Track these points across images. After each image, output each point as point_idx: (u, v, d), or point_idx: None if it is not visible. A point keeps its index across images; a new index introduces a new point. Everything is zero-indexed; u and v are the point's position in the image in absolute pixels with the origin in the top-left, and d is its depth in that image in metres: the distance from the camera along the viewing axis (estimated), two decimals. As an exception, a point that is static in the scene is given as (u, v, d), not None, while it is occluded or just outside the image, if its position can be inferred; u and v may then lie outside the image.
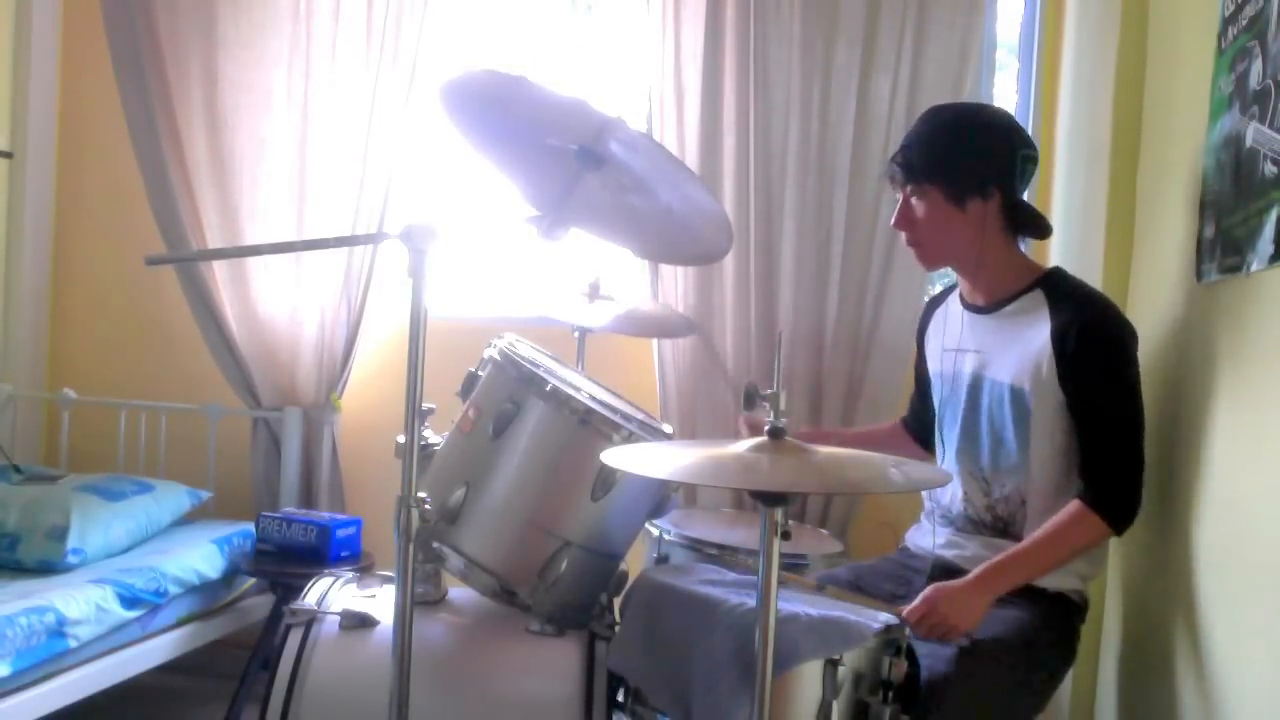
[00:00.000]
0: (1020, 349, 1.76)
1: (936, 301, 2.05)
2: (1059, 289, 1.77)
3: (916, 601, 1.59)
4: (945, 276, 2.94)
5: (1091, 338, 1.69)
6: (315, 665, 1.60)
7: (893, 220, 1.85)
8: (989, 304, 1.85)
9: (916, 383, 2.14)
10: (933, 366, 1.99)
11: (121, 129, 3.16)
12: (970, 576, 1.66)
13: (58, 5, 3.39)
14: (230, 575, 2.80)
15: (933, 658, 1.56)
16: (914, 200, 1.81)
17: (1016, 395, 1.75)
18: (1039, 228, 1.84)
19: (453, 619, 1.76)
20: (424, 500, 1.39)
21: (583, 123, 1.62)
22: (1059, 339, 1.70)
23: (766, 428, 1.34)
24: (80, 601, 2.30)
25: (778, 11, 2.75)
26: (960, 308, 1.92)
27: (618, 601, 1.74)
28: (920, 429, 2.13)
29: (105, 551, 2.62)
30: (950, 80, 2.67)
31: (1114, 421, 1.70)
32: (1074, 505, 1.69)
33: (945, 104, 1.90)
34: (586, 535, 1.68)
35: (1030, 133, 2.77)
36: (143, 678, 2.55)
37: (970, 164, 1.77)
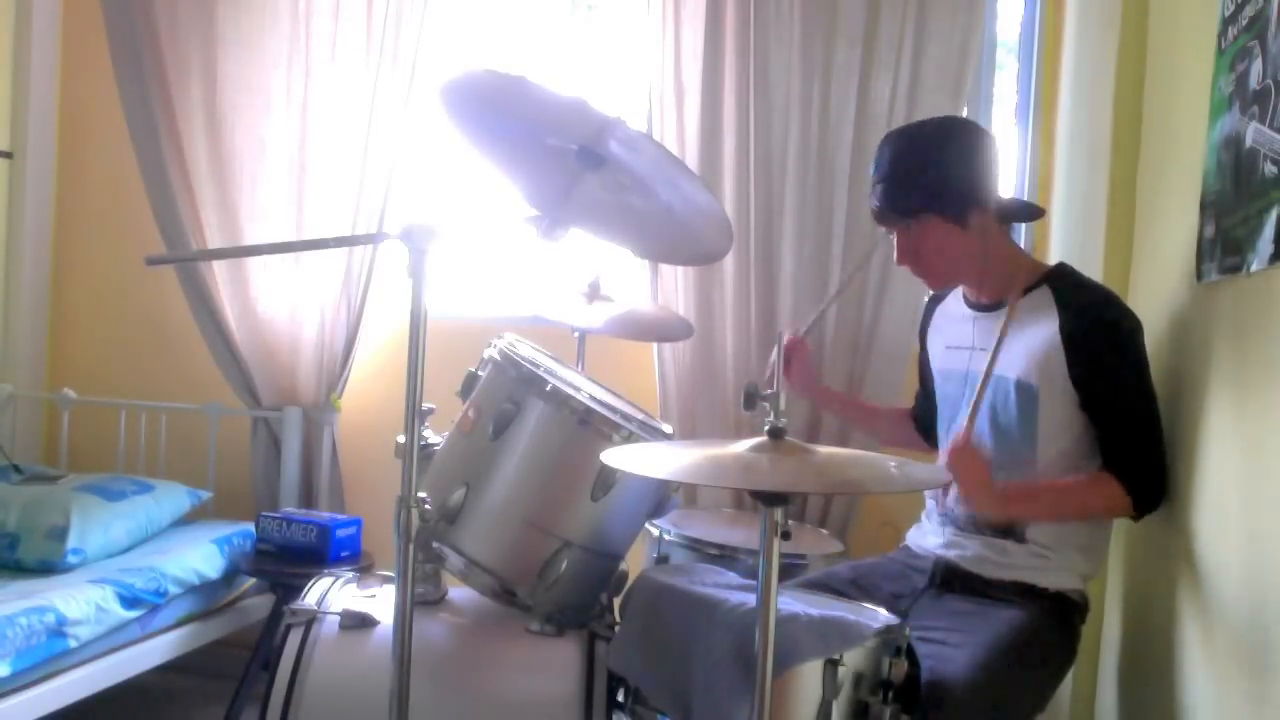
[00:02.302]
0: (1026, 344, 1.76)
1: (938, 299, 2.05)
2: (1065, 285, 1.77)
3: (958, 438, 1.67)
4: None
5: (1103, 332, 1.70)
6: (315, 665, 1.60)
7: (895, 259, 1.83)
8: (993, 302, 1.85)
9: (920, 379, 2.14)
10: (936, 364, 1.99)
11: (121, 129, 3.16)
12: (999, 482, 1.71)
13: (58, 5, 3.39)
14: (230, 575, 2.80)
15: (934, 658, 1.56)
16: (913, 233, 1.80)
17: (1023, 390, 1.75)
18: (1029, 212, 1.85)
19: (453, 619, 1.76)
20: (424, 500, 1.39)
21: (583, 123, 1.62)
22: (1069, 335, 1.71)
23: (767, 425, 1.34)
24: (80, 601, 2.30)
25: (778, 11, 2.75)
26: (963, 306, 1.92)
27: (618, 601, 1.74)
28: (924, 424, 2.13)
29: (105, 551, 2.62)
30: (950, 80, 2.67)
31: (1135, 410, 1.72)
32: (1101, 472, 1.72)
33: (897, 130, 1.88)
34: (586, 535, 1.68)
35: (1030, 133, 2.80)
36: (143, 678, 2.55)
37: (960, 180, 1.77)
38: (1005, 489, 1.71)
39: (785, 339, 1.94)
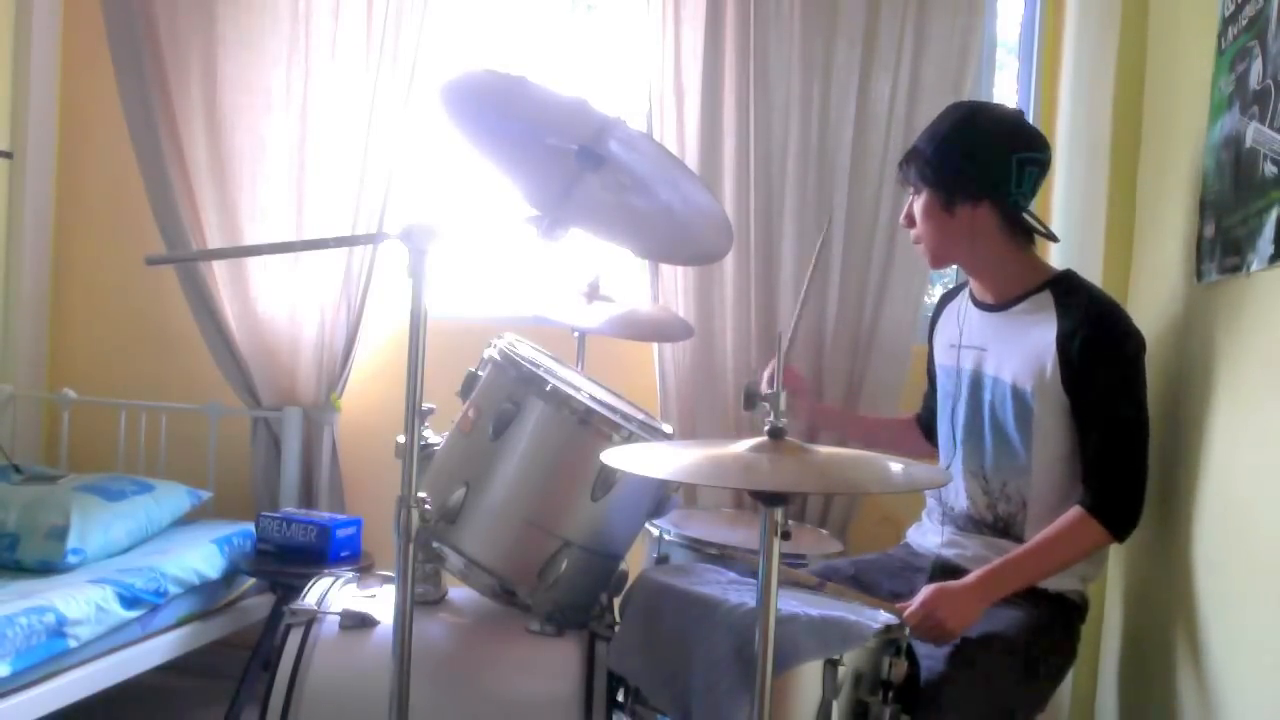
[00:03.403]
0: (1024, 349, 1.75)
1: (949, 297, 2.05)
2: (1068, 292, 1.76)
3: (914, 604, 1.59)
4: (946, 276, 2.94)
5: (1097, 343, 1.68)
6: (315, 665, 1.60)
7: (901, 217, 1.88)
8: (998, 302, 1.85)
9: (929, 379, 2.14)
10: (939, 361, 2.00)
11: (121, 129, 3.16)
12: (969, 579, 1.65)
13: (58, 5, 3.39)
14: (230, 575, 2.80)
15: (933, 658, 1.56)
16: (914, 200, 1.84)
17: (1018, 395, 1.75)
18: (1045, 234, 1.83)
19: (453, 619, 1.75)
20: (424, 500, 1.39)
21: (583, 123, 1.62)
22: (1064, 343, 1.70)
23: (767, 425, 1.34)
24: (80, 601, 2.30)
25: (778, 11, 2.74)
26: (970, 305, 1.92)
27: (618, 601, 1.74)
28: (932, 425, 2.13)
29: (105, 551, 2.62)
30: (950, 80, 2.67)
31: (1118, 428, 1.69)
32: (1075, 511, 1.69)
33: (961, 102, 1.90)
34: (586, 535, 1.68)
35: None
36: (143, 678, 2.55)
37: (957, 172, 1.77)
38: (979, 585, 1.64)
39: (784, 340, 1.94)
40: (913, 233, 1.87)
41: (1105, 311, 1.73)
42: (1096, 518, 1.67)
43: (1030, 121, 1.94)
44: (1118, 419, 1.70)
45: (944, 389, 1.96)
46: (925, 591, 1.61)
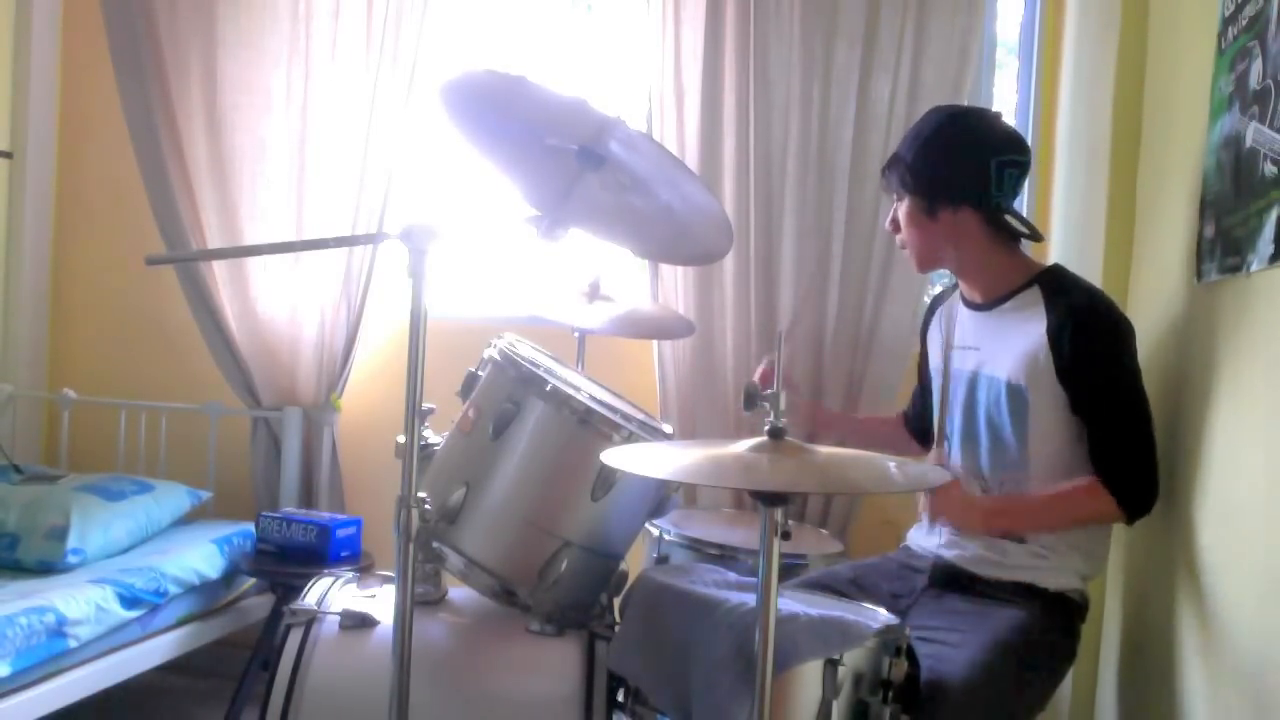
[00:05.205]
0: (1016, 345, 1.76)
1: (940, 299, 2.06)
2: (1055, 285, 1.77)
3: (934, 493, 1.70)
4: (945, 276, 2.94)
5: (1088, 331, 1.69)
6: (315, 665, 1.60)
7: (886, 222, 1.90)
8: (986, 302, 1.86)
9: (919, 378, 2.14)
10: (934, 364, 2.00)
11: (121, 129, 3.16)
12: (983, 500, 1.73)
13: (58, 5, 3.39)
14: (230, 575, 2.80)
15: (934, 658, 1.56)
16: (898, 206, 1.86)
17: (1014, 391, 1.76)
18: (1028, 234, 1.84)
19: (453, 619, 1.76)
20: (424, 500, 1.39)
21: (583, 123, 1.62)
22: (1056, 335, 1.70)
23: (767, 425, 1.34)
24: (80, 601, 2.30)
25: (778, 11, 2.75)
26: (961, 305, 1.93)
27: (618, 601, 1.74)
28: (919, 425, 2.14)
29: (105, 551, 2.62)
30: (950, 80, 2.67)
31: (1122, 411, 1.71)
32: (1090, 479, 1.71)
33: (940, 107, 1.91)
34: (586, 535, 1.68)
35: (1030, 133, 2.79)
36: (143, 678, 2.55)
37: (937, 177, 1.79)
38: (988, 508, 1.71)
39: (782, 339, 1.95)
40: (898, 238, 1.89)
41: (1093, 302, 1.75)
42: (1109, 491, 1.69)
43: (1011, 124, 1.96)
44: (1120, 405, 1.71)
45: (940, 390, 1.96)
46: (944, 484, 1.69)
